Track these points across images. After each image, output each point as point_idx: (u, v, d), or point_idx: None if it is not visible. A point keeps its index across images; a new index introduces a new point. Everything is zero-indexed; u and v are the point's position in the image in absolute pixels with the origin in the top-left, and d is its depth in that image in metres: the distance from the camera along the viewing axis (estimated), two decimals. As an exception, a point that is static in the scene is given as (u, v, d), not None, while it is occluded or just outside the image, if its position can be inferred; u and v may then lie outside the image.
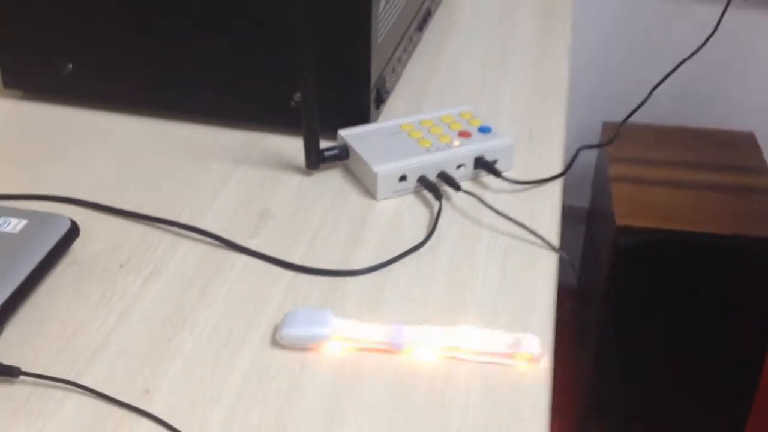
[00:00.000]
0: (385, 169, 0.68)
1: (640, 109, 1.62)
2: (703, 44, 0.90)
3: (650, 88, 1.61)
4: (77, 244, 0.62)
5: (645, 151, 1.43)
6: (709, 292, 1.30)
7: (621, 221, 1.26)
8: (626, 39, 1.59)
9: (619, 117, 1.60)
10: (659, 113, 1.61)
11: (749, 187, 1.35)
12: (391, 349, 0.54)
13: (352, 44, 0.71)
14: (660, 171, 1.38)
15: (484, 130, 0.73)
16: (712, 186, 1.35)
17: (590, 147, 0.73)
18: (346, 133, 0.72)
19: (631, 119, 1.61)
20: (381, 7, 0.73)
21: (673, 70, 0.82)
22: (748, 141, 1.45)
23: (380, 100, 0.76)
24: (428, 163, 0.69)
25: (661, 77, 1.58)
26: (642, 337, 1.36)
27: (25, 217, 0.60)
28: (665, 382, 1.40)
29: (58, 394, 0.51)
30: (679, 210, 1.29)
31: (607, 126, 1.49)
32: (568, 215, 1.77)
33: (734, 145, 1.44)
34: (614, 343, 1.37)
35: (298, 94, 0.72)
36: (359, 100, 0.73)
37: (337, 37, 0.71)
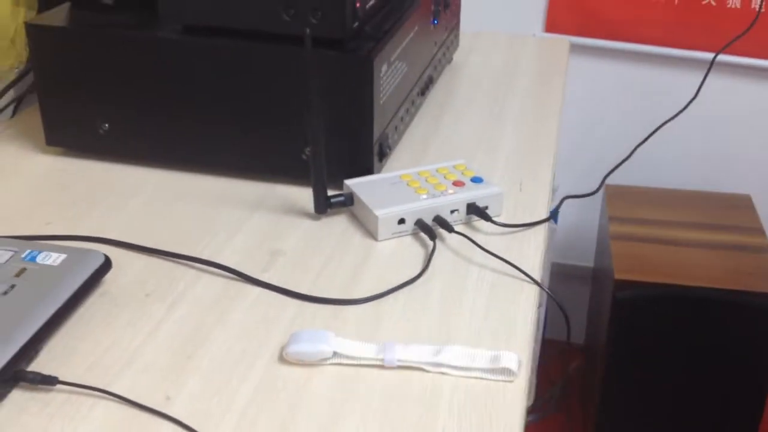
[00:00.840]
0: (385, 212, 0.75)
1: (643, 174, 1.70)
2: (684, 108, 0.98)
3: (649, 154, 1.70)
4: (109, 277, 0.69)
5: (645, 212, 1.50)
6: (707, 345, 1.35)
7: (619, 276, 1.32)
8: (620, 109, 1.67)
9: (620, 179, 1.68)
10: (659, 177, 1.69)
11: (745, 245, 1.41)
12: (385, 365, 0.60)
13: (357, 105, 0.80)
14: (658, 230, 1.44)
15: (476, 180, 0.81)
16: (708, 244, 1.41)
17: (574, 197, 0.80)
18: (351, 183, 0.80)
19: (633, 183, 1.69)
20: (382, 71, 0.81)
21: (654, 132, 0.90)
22: (745, 203, 1.52)
23: (383, 154, 0.84)
24: (425, 208, 0.77)
25: (660, 143, 1.67)
26: (642, 388, 1.41)
27: (64, 252, 0.68)
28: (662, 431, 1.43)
29: (89, 401, 0.57)
30: (675, 266, 1.35)
31: (608, 187, 1.56)
32: (575, 275, 1.85)
33: (731, 207, 1.51)
34: (615, 394, 1.41)
35: (309, 149, 0.81)
36: (363, 153, 0.82)
37: (344, 99, 0.80)
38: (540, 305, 1.06)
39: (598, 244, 1.60)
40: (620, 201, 1.51)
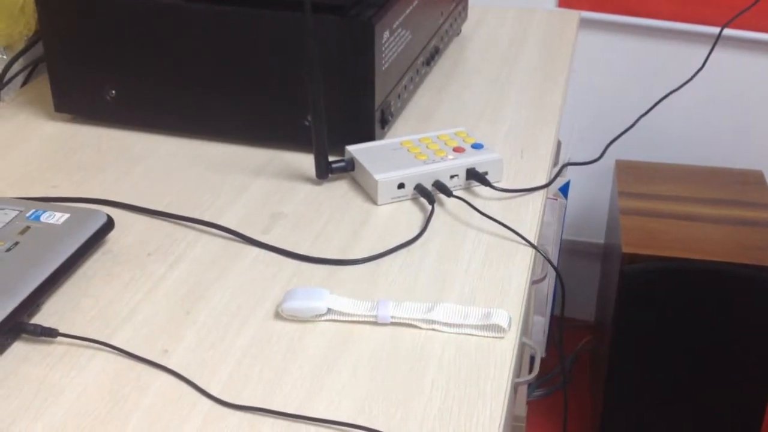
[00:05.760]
0: (385, 177, 0.76)
1: (654, 149, 1.69)
2: (690, 80, 0.97)
3: (662, 130, 1.70)
4: (112, 237, 0.71)
5: (655, 187, 1.49)
6: (716, 319, 1.35)
7: (627, 249, 1.32)
8: (632, 83, 1.66)
9: (631, 154, 1.68)
10: (671, 153, 1.68)
11: (756, 221, 1.40)
12: (378, 321, 0.61)
13: (359, 71, 0.80)
14: (669, 205, 1.44)
15: (476, 146, 0.81)
16: (719, 219, 1.40)
17: (574, 164, 0.80)
18: (353, 148, 0.81)
19: (645, 158, 1.68)
20: (384, 38, 0.82)
21: (657, 103, 0.90)
22: (757, 179, 1.51)
23: (385, 122, 0.85)
24: (424, 172, 0.77)
25: (671, 119, 1.66)
26: (649, 362, 1.41)
27: (67, 212, 0.69)
28: (671, 407, 1.43)
29: (89, 352, 0.59)
30: (685, 240, 1.35)
31: (619, 162, 1.56)
32: (587, 252, 1.84)
33: (742, 183, 1.50)
34: (623, 368, 1.41)
35: (310, 115, 0.82)
36: (365, 120, 0.82)
37: (346, 65, 0.80)
38: (544, 277, 1.06)
39: (609, 221, 1.60)
40: (631, 177, 1.51)
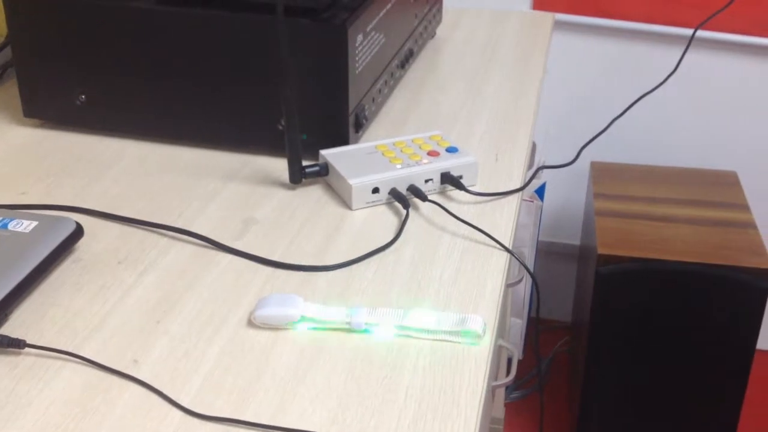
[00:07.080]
0: (359, 181, 0.76)
1: (629, 151, 1.70)
2: (663, 82, 0.98)
3: (636, 131, 1.70)
4: (82, 245, 0.70)
5: (631, 188, 1.50)
6: (691, 320, 1.35)
7: (602, 251, 1.32)
8: (607, 85, 1.67)
9: (606, 156, 1.69)
10: (646, 155, 1.69)
11: (730, 221, 1.41)
12: (352, 328, 0.61)
13: (332, 75, 0.80)
14: (644, 206, 1.44)
15: (451, 150, 0.81)
16: (694, 220, 1.41)
17: (549, 167, 0.80)
18: (327, 153, 0.80)
19: (620, 160, 1.69)
20: (358, 41, 0.81)
21: (631, 106, 0.90)
22: (731, 180, 1.52)
23: (359, 125, 0.84)
24: (399, 177, 0.77)
25: (646, 121, 1.67)
26: (626, 363, 1.41)
27: (35, 220, 0.68)
28: (648, 407, 1.44)
29: (57, 363, 0.58)
30: (660, 241, 1.35)
31: (594, 164, 1.56)
32: (563, 253, 1.85)
33: (717, 184, 1.51)
34: (600, 370, 1.42)
35: (283, 119, 0.81)
36: (339, 124, 0.82)
37: (319, 69, 0.80)
38: (520, 279, 1.06)
39: (585, 222, 1.61)
40: (606, 178, 1.52)
